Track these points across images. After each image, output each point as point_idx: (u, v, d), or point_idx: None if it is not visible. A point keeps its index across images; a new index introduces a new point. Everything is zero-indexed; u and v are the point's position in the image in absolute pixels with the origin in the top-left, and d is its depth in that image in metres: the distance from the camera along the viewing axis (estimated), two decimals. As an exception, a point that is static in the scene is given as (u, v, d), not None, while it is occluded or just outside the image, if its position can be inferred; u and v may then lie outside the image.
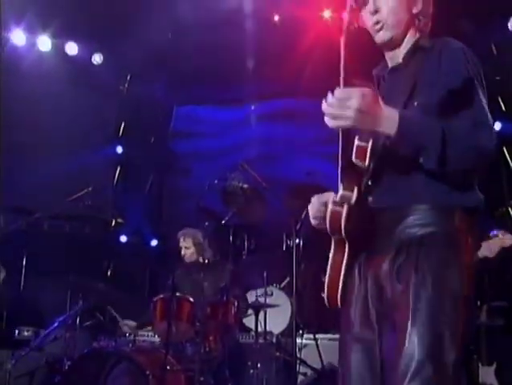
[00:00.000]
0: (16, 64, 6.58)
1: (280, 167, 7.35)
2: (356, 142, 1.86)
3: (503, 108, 6.75)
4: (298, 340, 5.00)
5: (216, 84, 7.74)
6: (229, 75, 7.46)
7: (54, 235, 6.83)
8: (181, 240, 5.38)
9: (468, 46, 2.01)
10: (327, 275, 1.96)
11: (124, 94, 7.63)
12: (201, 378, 4.21)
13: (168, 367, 4.02)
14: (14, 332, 5.24)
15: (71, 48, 7.02)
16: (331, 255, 1.96)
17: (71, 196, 5.66)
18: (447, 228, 1.84)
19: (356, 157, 1.86)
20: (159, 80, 7.86)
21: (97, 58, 7.19)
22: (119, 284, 6.70)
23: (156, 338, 4.82)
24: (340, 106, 1.70)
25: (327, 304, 1.99)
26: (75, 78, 7.14)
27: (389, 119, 1.74)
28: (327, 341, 5.03)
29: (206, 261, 4.85)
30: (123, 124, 7.61)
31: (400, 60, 2.07)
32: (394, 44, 2.07)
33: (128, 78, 7.62)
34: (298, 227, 5.84)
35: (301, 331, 5.26)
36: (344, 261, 1.92)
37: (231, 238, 5.30)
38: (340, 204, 1.86)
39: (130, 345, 4.41)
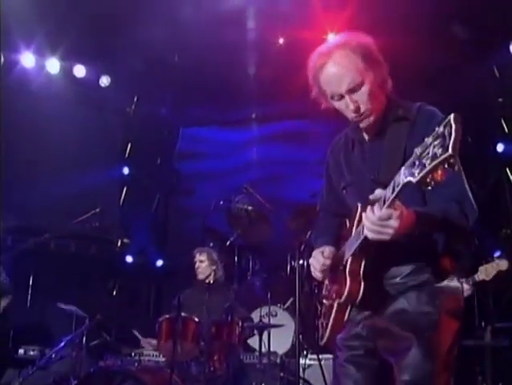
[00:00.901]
0: (25, 86, 6.70)
1: (284, 188, 7.41)
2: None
3: (506, 130, 6.79)
4: (302, 361, 5.01)
5: (221, 105, 7.84)
6: (234, 97, 7.55)
7: (60, 255, 6.88)
8: (197, 255, 5.52)
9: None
10: (329, 328, 2.22)
11: (131, 115, 7.72)
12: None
13: (173, 387, 4.05)
14: (21, 351, 5.27)
15: (79, 70, 7.12)
16: (333, 313, 2.19)
17: (78, 216, 5.71)
18: (428, 282, 2.10)
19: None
20: (165, 102, 7.96)
21: (104, 81, 7.29)
22: (124, 303, 6.76)
23: (161, 358, 4.85)
24: (382, 225, 1.87)
25: (322, 344, 2.29)
26: (82, 99, 7.25)
27: (410, 226, 1.92)
28: (332, 361, 5.03)
29: (212, 281, 4.90)
30: (129, 145, 7.69)
31: (377, 129, 2.19)
32: (375, 122, 2.17)
33: (135, 99, 7.70)
34: (302, 248, 5.90)
35: (305, 352, 5.28)
36: (346, 318, 2.18)
37: (236, 259, 5.31)
38: (354, 278, 2.09)
39: (136, 364, 4.43)
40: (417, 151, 1.68)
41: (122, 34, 6.48)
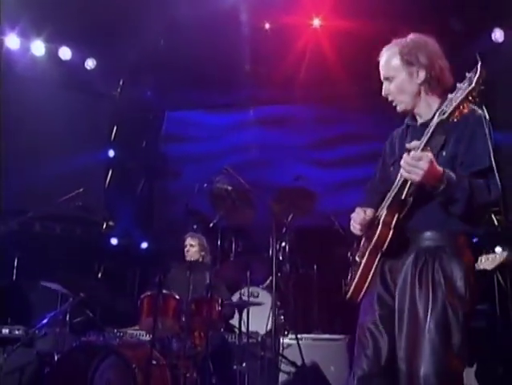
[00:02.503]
0: (10, 68, 6.67)
1: (269, 172, 7.48)
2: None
3: (487, 117, 6.87)
4: (283, 340, 5.11)
5: (207, 90, 7.87)
6: (221, 81, 7.58)
7: (45, 236, 6.90)
8: (189, 238, 5.77)
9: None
10: (359, 274, 2.59)
11: (117, 98, 7.72)
12: (186, 374, 4.32)
13: (154, 362, 4.14)
14: (5, 331, 5.30)
15: (65, 53, 7.10)
16: (364, 259, 2.58)
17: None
18: (454, 243, 2.44)
19: (403, 193, 2.45)
20: (151, 85, 7.97)
21: (90, 63, 7.28)
22: (109, 285, 6.80)
23: (145, 335, 4.93)
24: (414, 165, 2.26)
25: (349, 297, 2.64)
26: (68, 82, 7.25)
27: (439, 178, 2.29)
28: (312, 341, 5.14)
29: (193, 259, 5.00)
30: (115, 128, 7.70)
31: (429, 118, 2.50)
32: (412, 110, 2.64)
33: (121, 83, 7.71)
34: (284, 230, 5.99)
35: (286, 332, 5.37)
36: (374, 266, 2.56)
37: (219, 241, 5.39)
38: (387, 226, 2.46)
39: (117, 340, 4.51)
40: (449, 96, 2.22)
41: (108, 17, 6.47)
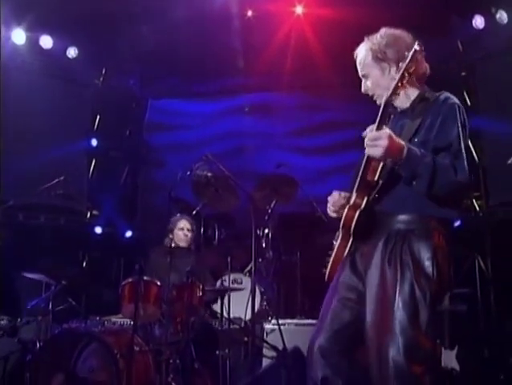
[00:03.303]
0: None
1: (251, 159, 7.51)
2: (371, 164, 2.55)
3: (468, 103, 6.94)
4: (266, 325, 5.16)
5: (190, 78, 7.87)
6: (203, 69, 7.57)
7: (28, 226, 6.88)
8: (185, 222, 5.77)
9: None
10: (333, 256, 2.70)
11: (99, 87, 7.68)
12: (169, 359, 4.36)
13: (136, 348, 4.17)
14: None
15: (46, 41, 7.02)
16: (337, 242, 2.68)
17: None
18: (425, 226, 2.52)
19: (370, 174, 2.56)
20: (133, 73, 7.95)
21: (72, 52, 7.22)
22: (93, 274, 6.81)
23: (127, 321, 4.95)
24: (373, 144, 2.39)
25: (326, 278, 2.74)
26: (49, 71, 7.17)
27: (401, 150, 2.40)
28: (294, 326, 5.18)
29: (173, 246, 5.03)
30: (98, 117, 7.66)
31: (407, 106, 2.72)
32: (395, 99, 2.65)
33: (103, 71, 7.68)
34: (266, 217, 6.02)
35: (269, 317, 5.42)
36: (347, 249, 2.63)
37: (202, 228, 5.41)
38: (353, 209, 2.56)
39: (99, 326, 4.53)
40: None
41: (89, 5, 6.43)
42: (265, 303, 5.68)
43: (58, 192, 5.46)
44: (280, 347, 4.60)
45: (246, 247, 5.48)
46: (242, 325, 5.14)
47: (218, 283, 5.48)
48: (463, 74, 7.02)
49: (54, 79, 7.19)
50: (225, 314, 4.88)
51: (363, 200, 2.57)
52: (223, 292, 4.84)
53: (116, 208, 7.53)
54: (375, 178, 2.55)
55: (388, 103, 2.49)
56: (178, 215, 5.79)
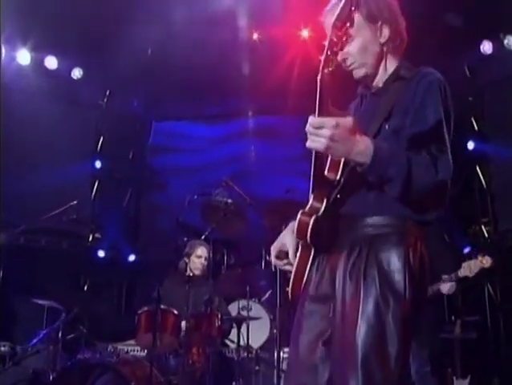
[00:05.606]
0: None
1: (258, 184, 7.40)
2: (330, 158, 2.03)
3: (476, 128, 6.93)
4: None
5: (194, 100, 7.81)
6: (209, 92, 7.53)
7: (31, 249, 6.77)
8: (203, 249, 5.45)
9: (442, 68, 2.19)
10: (294, 271, 2.19)
11: (103, 108, 7.63)
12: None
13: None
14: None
15: (51, 62, 6.99)
16: (298, 254, 2.18)
17: (50, 209, 5.63)
18: (398, 230, 2.04)
19: (329, 171, 2.05)
20: (138, 95, 7.90)
21: (77, 73, 7.19)
22: (96, 298, 6.68)
23: (139, 350, 4.83)
24: (314, 133, 1.86)
25: (290, 296, 2.23)
26: (54, 92, 7.13)
27: (363, 150, 1.89)
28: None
29: (191, 274, 4.91)
30: (101, 139, 7.60)
31: (381, 85, 2.25)
32: (370, 77, 2.25)
33: (108, 93, 7.62)
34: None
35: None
36: (309, 261, 2.15)
37: (211, 253, 5.31)
38: (309, 214, 2.07)
39: (114, 357, 4.41)
40: None
41: (95, 27, 6.41)
42: (274, 331, 5.57)
43: (71, 217, 5.34)
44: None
45: (256, 273, 5.42)
46: (254, 353, 5.01)
47: (232, 310, 5.35)
48: (470, 99, 7.01)
49: (58, 100, 7.15)
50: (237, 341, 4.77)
51: (322, 202, 2.08)
52: (240, 321, 4.73)
53: (119, 231, 7.43)
54: (337, 175, 2.04)
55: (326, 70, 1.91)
56: (194, 240, 5.58)
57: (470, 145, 6.84)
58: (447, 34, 6.38)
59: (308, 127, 1.88)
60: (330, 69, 1.94)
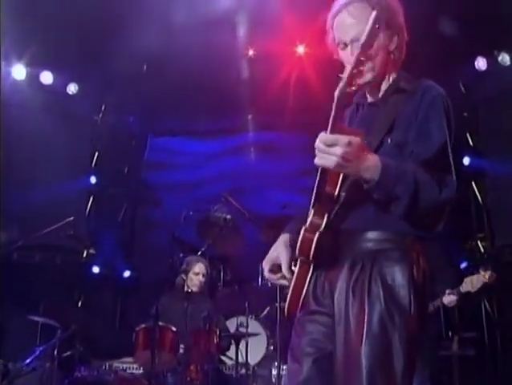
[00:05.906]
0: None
1: (254, 200, 7.36)
2: (329, 173, 2.02)
3: (471, 144, 6.96)
4: (275, 371, 4.99)
5: (190, 116, 7.81)
6: (203, 108, 7.53)
7: (24, 265, 6.71)
8: (201, 266, 5.41)
9: (437, 83, 2.15)
10: (291, 288, 2.15)
11: (99, 124, 7.61)
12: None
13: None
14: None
15: (46, 77, 6.97)
16: (296, 270, 2.15)
17: (45, 225, 5.60)
18: (400, 245, 2.03)
19: (328, 186, 2.03)
20: (133, 111, 7.89)
21: (72, 88, 7.17)
22: (90, 315, 6.61)
23: (136, 368, 4.76)
24: (326, 151, 1.82)
25: (286, 313, 2.19)
26: (49, 107, 7.08)
27: (371, 167, 1.87)
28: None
29: (190, 290, 4.87)
30: (96, 154, 7.57)
31: (379, 96, 2.22)
32: (374, 83, 2.21)
33: (103, 108, 7.61)
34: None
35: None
36: (308, 277, 2.12)
37: (208, 270, 5.27)
38: (312, 230, 2.04)
39: (112, 375, 4.35)
40: None
41: (90, 42, 6.40)
42: (271, 347, 5.52)
43: (68, 233, 5.29)
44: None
45: (252, 289, 5.37)
46: (251, 370, 4.96)
47: (232, 328, 5.28)
48: (465, 114, 7.04)
49: (53, 115, 7.09)
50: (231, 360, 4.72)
51: (322, 218, 2.04)
52: (238, 338, 4.68)
53: (114, 246, 7.38)
54: (336, 190, 2.02)
55: (343, 88, 1.84)
56: (191, 257, 5.54)
57: (466, 161, 6.86)
58: (442, 51, 6.42)
59: (318, 144, 1.83)
60: (353, 88, 1.88)
